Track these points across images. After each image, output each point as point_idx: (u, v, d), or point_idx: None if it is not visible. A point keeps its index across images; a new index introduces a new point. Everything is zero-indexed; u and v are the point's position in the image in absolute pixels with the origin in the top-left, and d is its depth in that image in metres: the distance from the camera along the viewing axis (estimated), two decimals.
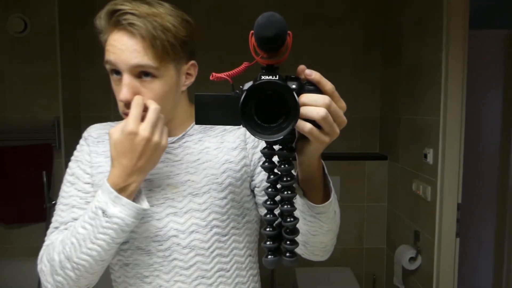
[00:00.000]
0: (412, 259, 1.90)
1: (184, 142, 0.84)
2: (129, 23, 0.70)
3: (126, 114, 0.72)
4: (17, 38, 2.05)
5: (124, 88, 0.71)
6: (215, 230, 0.80)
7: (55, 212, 0.84)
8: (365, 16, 2.39)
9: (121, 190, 0.70)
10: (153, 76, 0.73)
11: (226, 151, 0.83)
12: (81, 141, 0.88)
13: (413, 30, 1.97)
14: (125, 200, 0.69)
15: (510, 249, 2.24)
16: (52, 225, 0.83)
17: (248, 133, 0.83)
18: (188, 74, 0.81)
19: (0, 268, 2.09)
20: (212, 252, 0.81)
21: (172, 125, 0.83)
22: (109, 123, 0.91)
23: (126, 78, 0.72)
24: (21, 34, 2.05)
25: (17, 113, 2.10)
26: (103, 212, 0.69)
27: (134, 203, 0.70)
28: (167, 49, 0.72)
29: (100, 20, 0.74)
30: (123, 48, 0.71)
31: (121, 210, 0.69)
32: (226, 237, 0.82)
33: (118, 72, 0.73)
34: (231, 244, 0.83)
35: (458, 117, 1.64)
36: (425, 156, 1.79)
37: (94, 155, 0.85)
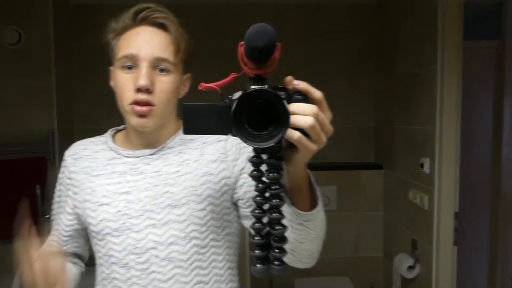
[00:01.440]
0: (411, 268, 1.91)
1: (164, 154, 0.85)
2: (158, 20, 0.80)
3: (136, 103, 0.78)
4: (11, 50, 2.03)
5: (144, 75, 0.77)
6: (194, 241, 0.81)
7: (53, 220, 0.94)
8: (359, 27, 2.43)
9: None
10: (167, 71, 0.80)
11: (206, 163, 0.84)
12: (62, 163, 0.92)
13: (407, 41, 2.01)
14: None
15: (503, 256, 2.28)
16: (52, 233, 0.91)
17: (228, 146, 0.85)
18: (184, 85, 0.87)
19: None
20: (190, 264, 0.81)
21: (160, 135, 0.86)
22: (89, 138, 0.93)
23: (146, 68, 0.77)
24: (15, 46, 2.03)
25: (11, 126, 2.07)
26: None
27: None
28: (182, 51, 0.82)
29: (123, 19, 0.81)
30: (148, 41, 0.79)
31: None
32: (205, 249, 0.82)
33: (130, 67, 0.79)
34: (210, 256, 0.83)
35: (454, 127, 1.67)
36: (422, 165, 1.82)
37: (74, 174, 0.88)
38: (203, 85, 0.56)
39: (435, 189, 1.72)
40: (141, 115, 0.79)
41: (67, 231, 0.91)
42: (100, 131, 0.93)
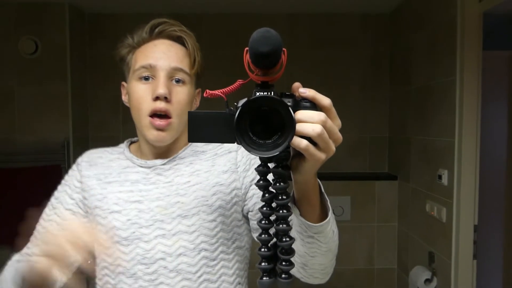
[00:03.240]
0: (428, 281, 1.88)
1: (175, 165, 0.85)
2: (175, 33, 0.82)
3: (155, 114, 0.78)
4: (28, 60, 2.04)
5: (163, 84, 0.78)
6: (203, 253, 0.79)
7: (34, 231, 0.86)
8: (372, 37, 2.43)
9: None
10: (183, 82, 0.81)
11: (217, 174, 0.83)
12: (74, 166, 0.90)
13: (423, 51, 2.00)
14: None
15: None
16: (27, 245, 0.85)
17: (239, 157, 0.84)
18: (195, 99, 0.88)
19: None
20: (199, 276, 0.79)
21: (173, 147, 0.86)
22: (104, 148, 0.93)
23: (164, 77, 0.79)
24: (33, 56, 2.05)
25: (27, 134, 2.08)
26: None
27: None
28: (197, 65, 0.84)
29: (141, 33, 0.82)
30: (166, 51, 0.81)
31: None
32: (215, 262, 0.80)
33: (147, 78, 0.80)
34: (219, 270, 0.81)
35: (473, 139, 1.66)
36: (440, 177, 1.80)
37: (86, 179, 0.86)
38: (208, 92, 0.55)
39: (454, 201, 1.70)
40: (160, 129, 0.79)
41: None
42: (114, 139, 0.94)
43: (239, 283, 0.85)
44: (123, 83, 0.88)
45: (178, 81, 0.80)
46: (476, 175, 1.67)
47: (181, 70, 0.80)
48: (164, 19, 0.83)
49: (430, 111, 1.93)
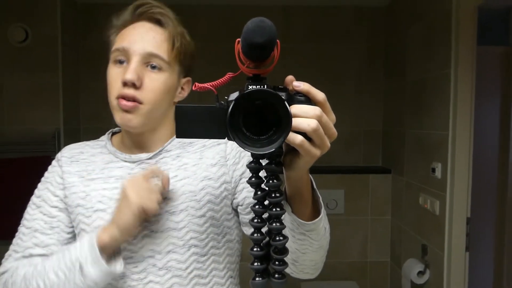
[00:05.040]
0: (420, 273, 1.90)
1: (162, 158, 0.81)
2: (155, 15, 0.77)
3: (123, 97, 0.74)
4: (18, 48, 2.00)
5: (132, 70, 0.73)
6: (193, 249, 0.77)
7: (16, 235, 0.81)
8: (367, 30, 2.42)
9: (104, 248, 0.69)
10: (159, 68, 0.76)
11: (205, 167, 0.80)
12: (53, 162, 0.85)
13: (418, 44, 2.00)
14: (104, 266, 0.68)
15: (510, 261, 2.27)
16: (11, 248, 0.81)
17: (228, 149, 0.81)
18: (182, 88, 0.84)
19: None
20: (190, 273, 0.77)
21: (153, 138, 0.82)
22: (85, 142, 0.89)
23: (135, 63, 0.74)
24: (22, 44, 2.00)
25: (17, 124, 2.04)
26: (81, 268, 0.68)
27: (111, 270, 0.69)
28: (179, 51, 0.78)
29: (123, 15, 0.78)
30: (143, 35, 0.76)
31: (97, 273, 0.68)
32: (205, 257, 0.78)
33: (122, 62, 0.76)
34: (210, 265, 0.79)
35: (467, 132, 1.66)
36: (433, 170, 1.81)
37: (67, 175, 0.82)
38: (197, 85, 0.53)
39: (447, 194, 1.71)
40: (126, 111, 0.75)
41: (69, 228, 0.82)
42: (105, 131, 0.90)
43: (231, 277, 0.84)
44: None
45: (154, 67, 0.76)
46: (469, 168, 1.68)
47: (157, 56, 0.75)
48: (147, 0, 0.78)
49: (424, 105, 1.93)
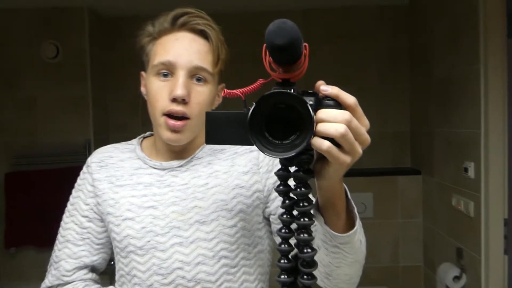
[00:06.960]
0: (457, 278, 1.82)
1: (193, 165, 0.79)
2: (199, 26, 0.75)
3: (170, 115, 0.72)
4: (50, 64, 2.10)
5: (181, 85, 0.71)
6: (223, 261, 0.74)
7: (55, 243, 0.84)
8: (390, 29, 2.37)
9: None
10: (205, 81, 0.75)
11: (237, 175, 0.78)
12: (84, 168, 0.85)
13: (444, 41, 1.94)
14: None
15: None
16: (51, 259, 0.84)
17: (261, 156, 0.79)
18: (217, 95, 0.82)
19: None
20: (220, 285, 0.74)
21: (189, 146, 0.80)
22: (114, 144, 0.88)
23: (183, 77, 0.72)
24: (54, 60, 2.10)
25: (49, 136, 2.13)
26: None
27: None
28: (222, 61, 0.77)
29: (163, 22, 0.76)
30: (187, 47, 0.73)
31: None
32: (236, 269, 0.76)
33: (166, 75, 0.74)
34: (241, 277, 0.76)
35: (500, 130, 1.59)
36: (466, 170, 1.73)
37: (97, 182, 0.81)
38: (226, 91, 0.52)
39: (482, 195, 1.63)
40: (175, 131, 0.73)
41: (100, 238, 0.83)
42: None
43: None
44: (142, 73, 0.82)
45: (199, 79, 0.74)
46: (504, 166, 1.60)
47: (203, 69, 0.73)
48: (188, 9, 0.75)
49: (453, 102, 1.86)
